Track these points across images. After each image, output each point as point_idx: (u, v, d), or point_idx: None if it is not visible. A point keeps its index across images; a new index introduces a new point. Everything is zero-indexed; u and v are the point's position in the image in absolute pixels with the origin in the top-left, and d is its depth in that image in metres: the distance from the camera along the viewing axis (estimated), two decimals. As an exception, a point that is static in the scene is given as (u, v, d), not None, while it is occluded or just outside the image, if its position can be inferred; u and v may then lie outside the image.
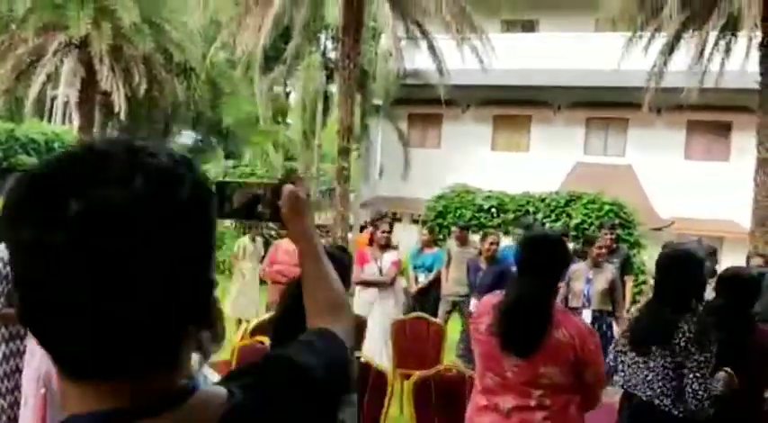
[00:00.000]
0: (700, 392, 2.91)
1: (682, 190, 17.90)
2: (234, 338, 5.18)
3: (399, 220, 14.55)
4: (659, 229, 16.67)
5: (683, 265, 3.15)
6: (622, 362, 3.21)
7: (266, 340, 4.27)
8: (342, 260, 2.78)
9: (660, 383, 3.00)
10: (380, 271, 6.63)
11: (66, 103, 30.57)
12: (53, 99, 31.07)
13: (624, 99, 17.37)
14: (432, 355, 5.87)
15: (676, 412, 2.97)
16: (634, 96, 15.29)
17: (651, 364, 3.04)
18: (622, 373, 3.20)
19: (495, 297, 2.82)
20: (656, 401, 3.00)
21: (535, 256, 2.69)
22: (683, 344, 2.97)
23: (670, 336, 2.98)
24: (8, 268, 3.37)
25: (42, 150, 26.44)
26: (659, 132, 18.74)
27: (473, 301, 6.69)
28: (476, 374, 2.85)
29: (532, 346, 2.56)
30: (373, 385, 3.78)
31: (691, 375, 2.93)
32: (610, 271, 6.43)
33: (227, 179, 1.30)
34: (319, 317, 1.15)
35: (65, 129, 29.46)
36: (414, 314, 6.53)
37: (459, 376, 3.90)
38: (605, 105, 19.33)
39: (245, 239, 9.14)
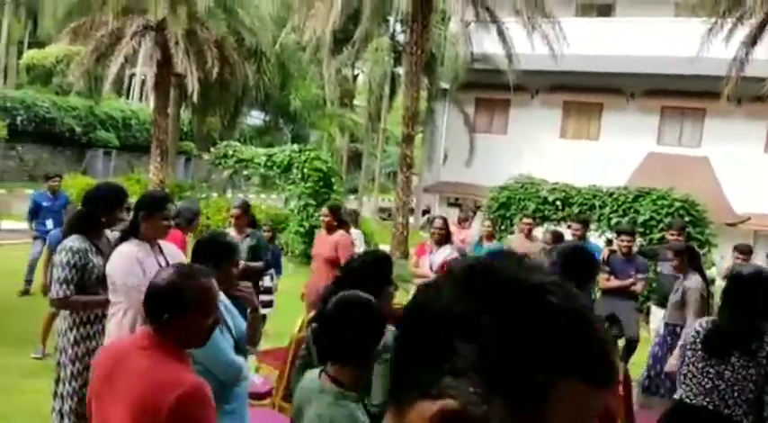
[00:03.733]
0: None
1: (760, 185, 17.11)
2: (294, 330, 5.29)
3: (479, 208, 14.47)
4: (733, 225, 16.02)
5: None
6: (688, 373, 3.07)
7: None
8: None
9: (736, 393, 2.93)
10: (431, 266, 6.61)
11: (143, 83, 31.64)
12: (131, 77, 32.19)
13: (702, 88, 16.67)
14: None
15: (747, 422, 2.94)
16: (712, 85, 14.65)
17: (727, 375, 2.95)
18: (685, 386, 3.08)
19: None
20: (727, 411, 2.92)
21: (568, 264, 2.89)
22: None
23: (753, 344, 2.92)
24: (77, 257, 3.55)
25: (120, 126, 27.55)
26: (739, 124, 17.90)
27: None
28: None
29: None
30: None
31: None
32: (690, 282, 5.43)
33: None
34: None
35: (141, 106, 30.53)
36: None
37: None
38: (682, 94, 18.59)
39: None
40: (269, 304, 8.19)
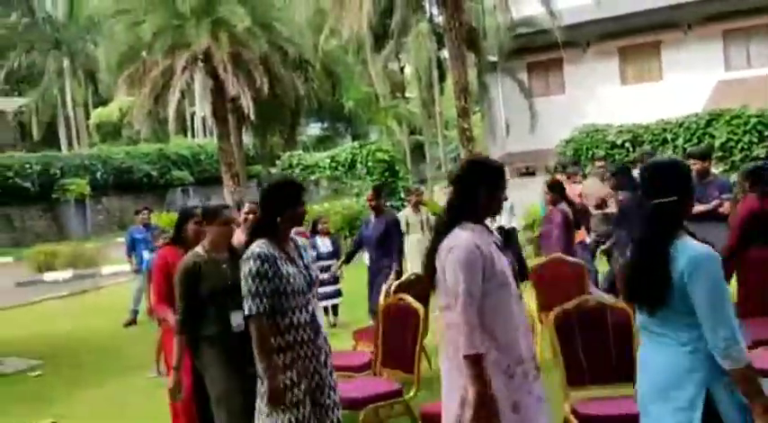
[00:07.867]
0: None
1: None
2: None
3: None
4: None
5: None
6: None
7: (408, 297, 4.42)
8: None
9: None
10: None
11: (203, 118, 32.81)
12: (192, 115, 33.47)
13: (763, 2, 15.77)
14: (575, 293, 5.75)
15: None
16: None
17: None
18: None
19: None
20: None
21: None
22: None
23: None
24: (266, 266, 2.99)
25: (191, 163, 28.69)
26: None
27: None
28: None
29: None
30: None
31: None
32: None
33: None
34: None
35: (207, 141, 31.62)
36: (554, 256, 6.44)
37: (599, 306, 3.82)
38: (742, 14, 17.61)
39: (408, 211, 8.33)
40: (337, 294, 8.03)
